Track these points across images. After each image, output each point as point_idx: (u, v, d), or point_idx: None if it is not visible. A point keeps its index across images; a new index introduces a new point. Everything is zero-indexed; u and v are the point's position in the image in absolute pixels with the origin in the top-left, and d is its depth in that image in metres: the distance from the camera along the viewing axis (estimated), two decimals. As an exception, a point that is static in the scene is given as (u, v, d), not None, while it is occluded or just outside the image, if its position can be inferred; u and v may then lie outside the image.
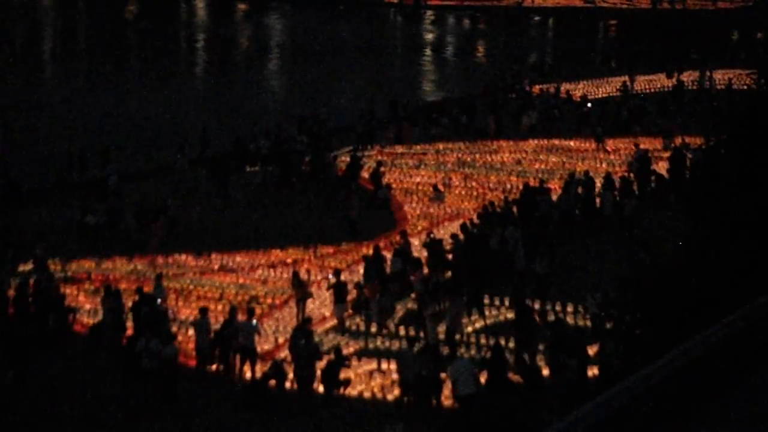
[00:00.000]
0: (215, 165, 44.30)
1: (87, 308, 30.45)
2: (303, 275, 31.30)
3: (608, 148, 46.43)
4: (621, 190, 37.75)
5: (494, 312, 29.38)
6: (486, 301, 29.60)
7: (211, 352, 26.97)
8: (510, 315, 29.19)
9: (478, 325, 28.74)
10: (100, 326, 28.80)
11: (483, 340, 27.59)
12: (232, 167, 44.70)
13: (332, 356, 25.68)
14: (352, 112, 56.37)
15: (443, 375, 24.15)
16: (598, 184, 38.11)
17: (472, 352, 26.72)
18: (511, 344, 26.94)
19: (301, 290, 30.14)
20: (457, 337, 27.62)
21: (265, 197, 42.20)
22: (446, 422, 23.61)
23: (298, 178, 44.02)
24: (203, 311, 27.64)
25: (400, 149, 48.50)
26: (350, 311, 29.76)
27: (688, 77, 63.01)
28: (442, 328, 28.00)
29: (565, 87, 61.57)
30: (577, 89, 61.70)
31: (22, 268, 33.28)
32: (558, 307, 29.00)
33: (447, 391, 24.22)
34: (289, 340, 26.63)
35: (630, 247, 31.18)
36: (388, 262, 31.75)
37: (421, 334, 27.93)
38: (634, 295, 20.53)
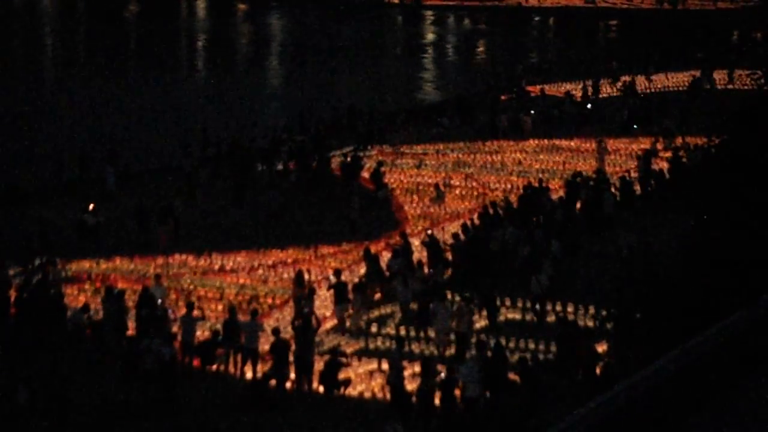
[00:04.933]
0: (232, 166, 44.23)
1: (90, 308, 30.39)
2: (306, 276, 31.24)
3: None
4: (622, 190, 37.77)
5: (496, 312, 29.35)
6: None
7: (213, 352, 27.00)
8: (510, 315, 29.20)
9: (478, 326, 28.72)
10: (100, 326, 28.74)
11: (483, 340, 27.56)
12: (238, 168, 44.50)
13: (330, 357, 25.67)
14: (350, 112, 56.22)
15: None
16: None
17: (473, 351, 26.66)
18: (512, 344, 26.96)
19: (301, 291, 30.11)
20: (453, 337, 27.58)
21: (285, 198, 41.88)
22: (446, 423, 23.57)
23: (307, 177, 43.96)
24: (189, 306, 27.69)
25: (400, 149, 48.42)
26: (351, 311, 29.75)
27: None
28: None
29: (565, 87, 61.53)
30: (577, 89, 61.63)
31: (21, 268, 33.21)
32: (558, 307, 29.00)
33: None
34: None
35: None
36: (384, 262, 31.76)
37: (422, 335, 27.92)
38: (634, 295, 20.56)
